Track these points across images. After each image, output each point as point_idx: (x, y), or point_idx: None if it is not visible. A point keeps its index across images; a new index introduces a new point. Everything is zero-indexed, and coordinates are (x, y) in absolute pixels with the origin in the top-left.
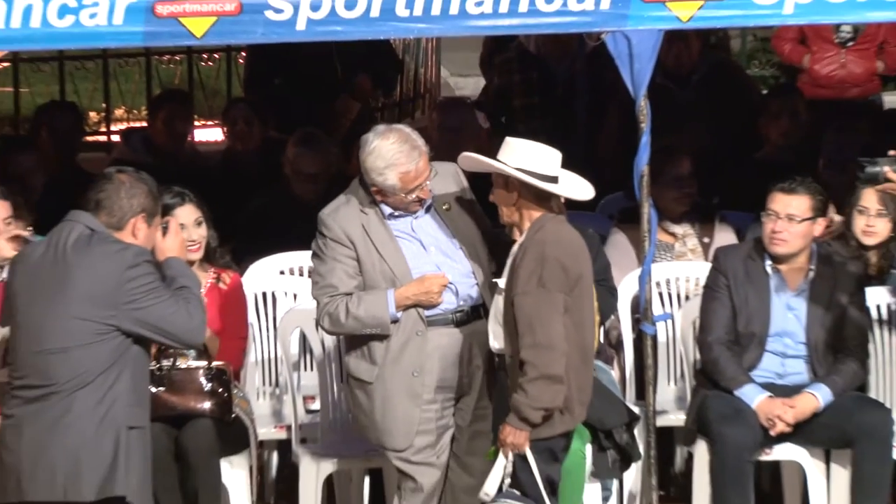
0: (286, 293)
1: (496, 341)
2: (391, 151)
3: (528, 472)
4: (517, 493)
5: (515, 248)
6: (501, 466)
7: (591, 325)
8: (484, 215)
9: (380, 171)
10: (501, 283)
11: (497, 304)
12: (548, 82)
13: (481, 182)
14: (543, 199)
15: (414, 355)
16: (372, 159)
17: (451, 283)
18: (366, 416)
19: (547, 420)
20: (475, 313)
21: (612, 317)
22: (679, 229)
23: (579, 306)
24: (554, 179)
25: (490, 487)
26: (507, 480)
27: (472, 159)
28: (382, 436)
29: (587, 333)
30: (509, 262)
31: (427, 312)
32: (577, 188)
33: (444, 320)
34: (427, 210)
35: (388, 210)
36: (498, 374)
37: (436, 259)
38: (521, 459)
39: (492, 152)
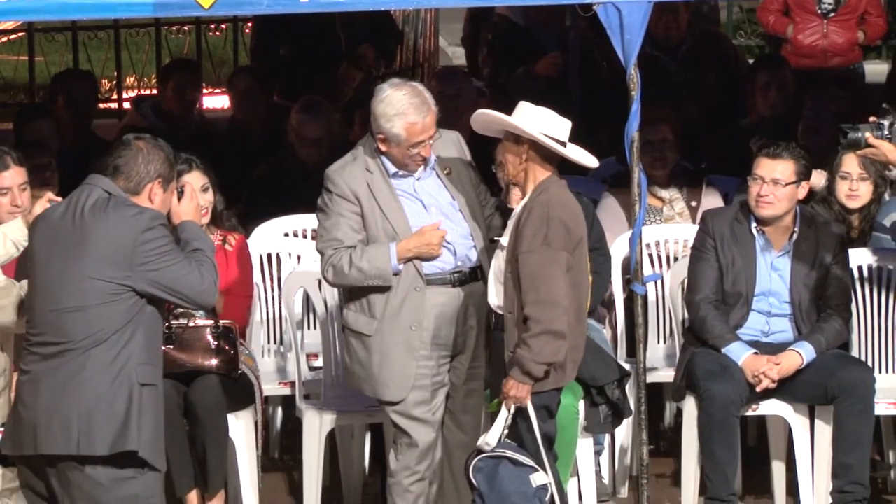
0: (290, 254)
1: (496, 298)
2: (402, 101)
3: (526, 426)
4: (515, 444)
5: (519, 208)
6: (503, 419)
7: (587, 286)
8: (483, 184)
9: (388, 117)
10: (504, 241)
11: (498, 263)
12: (538, 53)
13: (481, 151)
14: (550, 162)
15: (412, 310)
16: (382, 106)
17: (449, 242)
18: (363, 369)
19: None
20: (472, 275)
21: None
22: (667, 193)
23: (578, 267)
24: (564, 144)
25: (492, 438)
26: (506, 432)
27: (487, 116)
28: (379, 387)
29: (582, 294)
30: (512, 221)
31: (425, 270)
32: (585, 155)
33: (441, 279)
34: (429, 173)
35: (391, 168)
36: (495, 333)
37: (436, 219)
38: (520, 414)
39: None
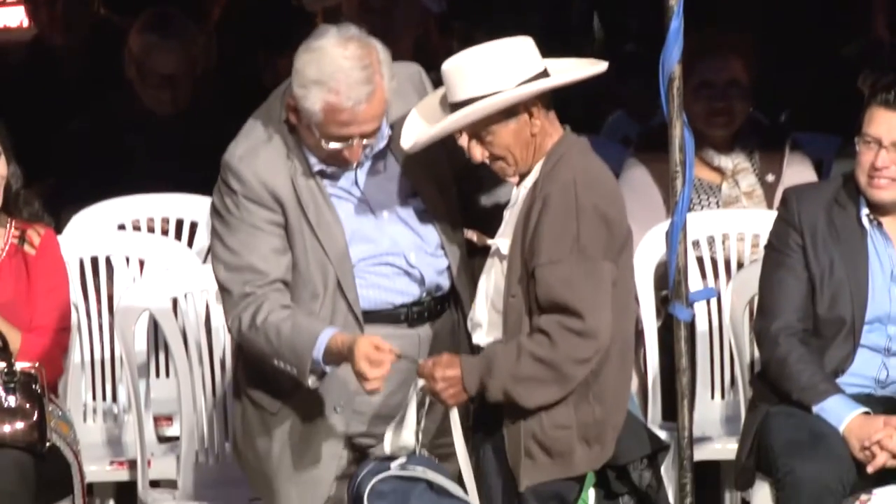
0: (128, 259)
1: (489, 335)
2: (333, 66)
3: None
4: (434, 457)
5: (523, 190)
6: (415, 409)
7: (633, 312)
8: (457, 148)
9: (303, 81)
10: (503, 245)
11: (493, 281)
12: None
13: None
14: (551, 109)
15: (340, 379)
16: (304, 62)
17: (413, 266)
18: (255, 457)
19: (558, 455)
20: (439, 307)
21: None
22: (730, 162)
23: (623, 282)
24: (545, 73)
25: (406, 437)
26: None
27: (466, 118)
28: (274, 494)
29: (629, 325)
30: (515, 212)
31: (366, 305)
32: (580, 67)
33: (392, 316)
34: (376, 154)
35: (316, 165)
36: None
37: (390, 230)
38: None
39: (446, 49)
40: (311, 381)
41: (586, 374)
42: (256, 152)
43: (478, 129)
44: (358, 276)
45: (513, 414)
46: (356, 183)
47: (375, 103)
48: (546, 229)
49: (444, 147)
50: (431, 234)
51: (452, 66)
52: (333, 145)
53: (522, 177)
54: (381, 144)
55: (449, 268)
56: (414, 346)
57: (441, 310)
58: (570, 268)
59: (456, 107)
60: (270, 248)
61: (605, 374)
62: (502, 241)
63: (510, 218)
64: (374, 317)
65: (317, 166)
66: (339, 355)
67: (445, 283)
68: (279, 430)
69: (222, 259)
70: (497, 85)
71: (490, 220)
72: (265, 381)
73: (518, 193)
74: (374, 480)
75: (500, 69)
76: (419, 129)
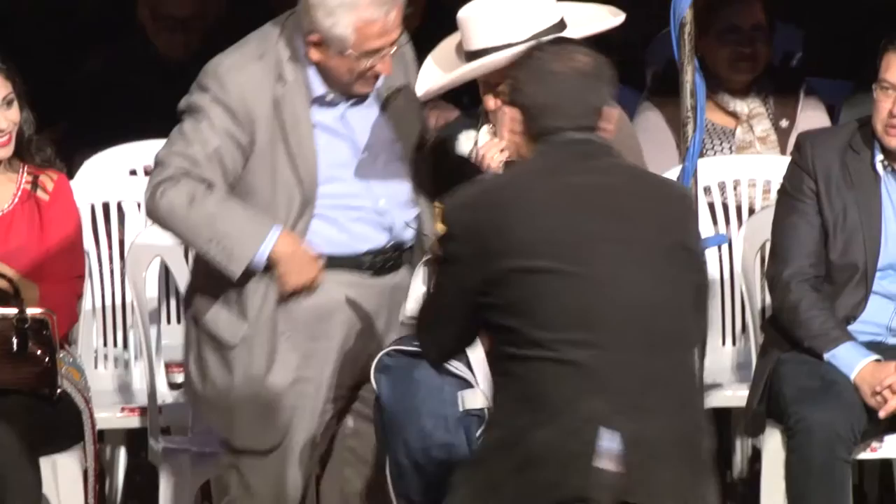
0: (139, 205)
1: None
2: None
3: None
4: None
5: None
6: (421, 280)
7: None
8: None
9: (329, 9)
10: None
11: None
12: None
13: None
14: None
15: (305, 312)
16: None
17: (382, 211)
18: (217, 395)
19: None
20: (401, 260)
21: None
22: (743, 106)
23: None
24: (563, 25)
25: (409, 307)
26: None
27: (482, 68)
28: (235, 429)
29: None
30: None
31: (330, 247)
32: (598, 17)
33: (355, 263)
34: (365, 97)
35: (317, 89)
36: None
37: (365, 171)
38: None
39: None
40: (237, 270)
41: None
42: (245, 67)
43: (490, 80)
44: (324, 216)
45: None
46: (343, 117)
47: (397, 10)
48: None
49: (421, 107)
50: (404, 184)
51: (468, 15)
52: (368, 61)
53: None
54: (375, 87)
55: (416, 220)
56: (375, 297)
57: (402, 263)
58: None
59: (470, 56)
60: (217, 153)
61: None
62: None
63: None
64: (336, 262)
65: (318, 92)
66: (285, 252)
67: (410, 236)
68: (238, 364)
69: (173, 143)
70: (511, 36)
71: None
72: (225, 303)
73: None
74: (380, 354)
75: (515, 20)
76: (433, 77)
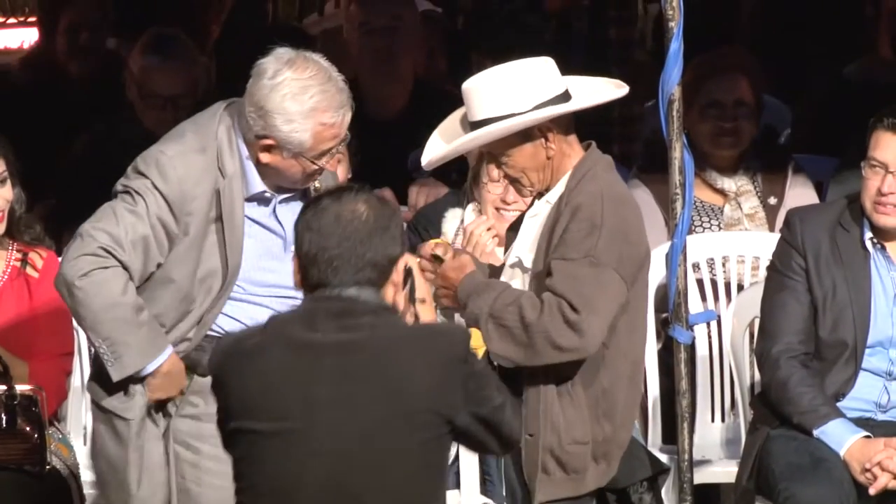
0: None
1: None
2: (312, 91)
3: None
4: None
5: (545, 204)
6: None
7: (644, 334)
8: None
9: (290, 116)
10: (524, 257)
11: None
12: None
13: None
14: (571, 131)
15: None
16: (279, 99)
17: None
18: (115, 473)
19: (573, 471)
20: None
21: None
22: (731, 184)
23: (637, 304)
24: (567, 96)
25: None
26: None
27: (482, 138)
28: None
29: (639, 347)
30: (537, 223)
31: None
32: (601, 89)
33: None
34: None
35: (255, 187)
36: None
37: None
38: None
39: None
40: (116, 376)
41: (559, 364)
42: (187, 159)
43: (493, 150)
44: (263, 305)
45: (532, 427)
46: (274, 213)
47: (351, 106)
48: (569, 236)
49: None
50: None
51: (472, 86)
52: (321, 162)
53: (546, 190)
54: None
55: None
56: None
57: None
58: (580, 268)
59: (474, 126)
60: (144, 242)
61: (615, 392)
62: (524, 252)
63: (531, 229)
64: None
65: (255, 189)
66: (163, 374)
67: None
68: (133, 440)
69: (100, 219)
70: (513, 107)
71: None
72: (118, 386)
73: (540, 206)
74: None
75: (518, 91)
76: (437, 147)
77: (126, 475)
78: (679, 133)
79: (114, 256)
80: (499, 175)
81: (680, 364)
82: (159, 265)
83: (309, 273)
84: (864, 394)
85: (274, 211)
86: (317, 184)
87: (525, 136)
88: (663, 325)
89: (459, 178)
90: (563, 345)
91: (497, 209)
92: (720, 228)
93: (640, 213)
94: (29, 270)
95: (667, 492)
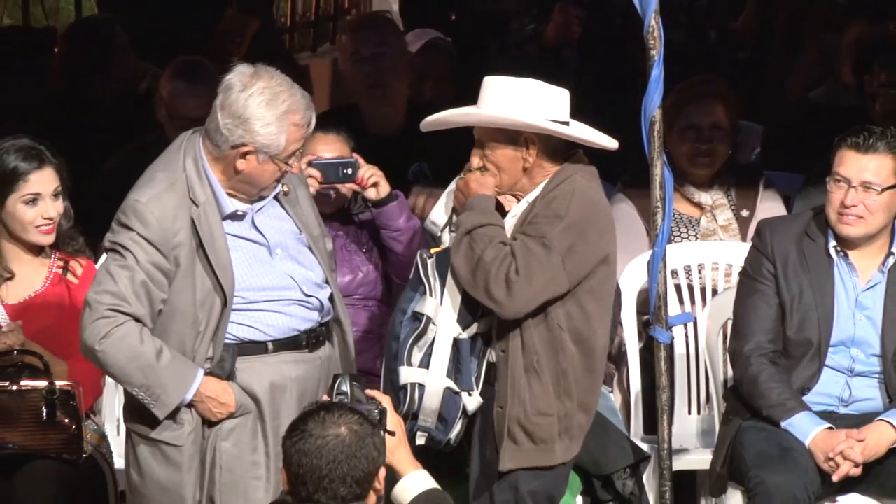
0: None
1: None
2: (283, 96)
3: None
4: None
5: (523, 204)
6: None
7: (606, 327)
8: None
9: (267, 121)
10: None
11: None
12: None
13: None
14: (559, 156)
15: (264, 393)
16: (255, 106)
17: (308, 296)
18: (164, 493)
19: (541, 441)
20: (328, 332)
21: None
22: (708, 197)
23: (599, 295)
24: (565, 125)
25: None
26: None
27: (455, 116)
28: None
29: (598, 336)
30: (515, 222)
31: (275, 332)
32: (598, 135)
33: (296, 342)
34: (268, 199)
35: (228, 208)
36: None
37: (284, 267)
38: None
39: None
40: (161, 414)
41: (528, 343)
42: (160, 198)
43: (483, 138)
44: (263, 308)
45: (502, 400)
46: (254, 225)
47: (314, 108)
48: (535, 220)
49: (309, 194)
50: (316, 267)
51: (492, 80)
52: (290, 162)
53: (524, 193)
54: (277, 189)
55: (331, 297)
56: (316, 369)
57: (329, 334)
58: (535, 244)
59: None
60: (145, 288)
61: (570, 373)
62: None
63: (508, 229)
64: (281, 344)
65: (228, 209)
66: (207, 394)
67: (331, 310)
68: (186, 462)
69: (100, 282)
70: (514, 108)
71: None
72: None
73: (519, 207)
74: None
75: (526, 99)
76: (438, 116)
77: (183, 498)
78: (660, 151)
79: (122, 313)
80: (476, 163)
81: (660, 361)
82: (164, 300)
83: (297, 489)
84: (828, 389)
85: (252, 222)
86: (284, 187)
87: (511, 138)
88: (645, 327)
89: None
90: (493, 294)
91: None
92: (697, 238)
93: (612, 219)
94: (70, 277)
95: (648, 478)
